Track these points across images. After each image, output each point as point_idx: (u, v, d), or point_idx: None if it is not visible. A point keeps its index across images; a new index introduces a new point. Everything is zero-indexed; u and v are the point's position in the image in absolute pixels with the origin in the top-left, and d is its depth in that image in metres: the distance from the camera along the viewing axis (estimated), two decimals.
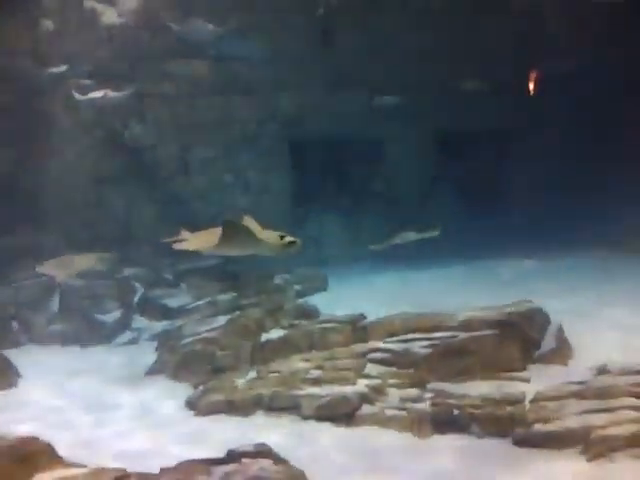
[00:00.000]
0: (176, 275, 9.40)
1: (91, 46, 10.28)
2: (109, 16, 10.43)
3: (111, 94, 8.92)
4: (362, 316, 6.92)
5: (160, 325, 8.66)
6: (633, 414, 4.77)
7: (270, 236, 5.64)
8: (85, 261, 7.96)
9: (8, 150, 10.18)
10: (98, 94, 8.88)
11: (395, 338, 6.33)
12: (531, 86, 11.44)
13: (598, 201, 11.12)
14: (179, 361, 7.03)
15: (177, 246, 6.07)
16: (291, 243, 5.58)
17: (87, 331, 8.71)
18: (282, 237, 5.60)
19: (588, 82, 10.94)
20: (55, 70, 10.09)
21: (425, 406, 5.51)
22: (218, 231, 5.64)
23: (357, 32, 11.16)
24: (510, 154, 12.89)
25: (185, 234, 6.24)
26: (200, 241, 5.95)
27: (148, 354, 7.82)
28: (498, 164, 12.87)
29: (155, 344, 8.08)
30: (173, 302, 8.78)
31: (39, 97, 10.07)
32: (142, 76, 10.37)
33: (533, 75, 11.33)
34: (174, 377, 7.04)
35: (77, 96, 8.88)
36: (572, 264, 9.71)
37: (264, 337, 6.95)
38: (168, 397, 6.58)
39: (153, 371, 7.33)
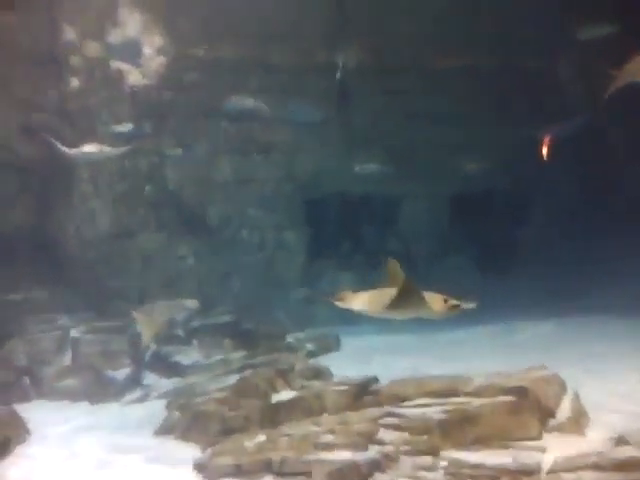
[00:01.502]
0: (188, 331, 9.38)
1: (115, 104, 10.60)
2: (134, 76, 10.78)
3: (107, 149, 8.96)
4: (375, 379, 6.81)
5: (171, 382, 8.59)
6: None
7: (434, 299, 5.54)
8: (175, 308, 8.05)
9: (28, 203, 10.38)
10: (93, 149, 8.90)
11: (408, 403, 6.20)
12: (542, 150, 11.59)
13: (616, 264, 11.07)
14: (188, 421, 6.92)
15: (341, 304, 5.98)
16: (455, 306, 5.49)
17: (97, 387, 8.64)
18: (446, 300, 5.52)
19: (591, 145, 11.07)
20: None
21: (439, 475, 5.34)
22: (386, 292, 5.56)
23: (374, 95, 11.42)
24: (526, 215, 12.93)
25: (346, 293, 6.11)
26: (365, 301, 5.88)
27: (158, 412, 7.72)
28: (513, 225, 12.88)
29: (165, 402, 7.99)
30: (184, 359, 8.73)
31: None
32: (164, 134, 10.64)
33: (541, 140, 11.49)
34: (183, 437, 6.91)
35: (68, 150, 8.94)
36: (590, 327, 9.58)
37: (275, 398, 6.84)
38: (176, 459, 6.45)
39: (162, 430, 7.21)
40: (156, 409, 7.89)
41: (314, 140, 11.44)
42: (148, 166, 10.67)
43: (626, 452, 5.02)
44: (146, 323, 7.96)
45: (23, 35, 10.08)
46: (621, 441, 5.25)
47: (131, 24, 10.60)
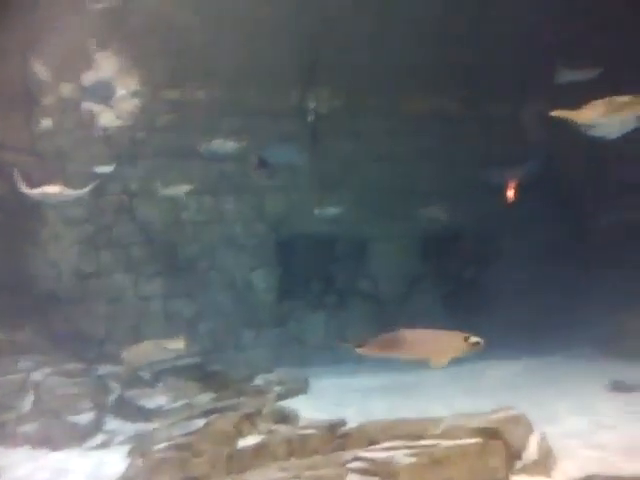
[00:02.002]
0: (153, 374, 9.19)
1: (87, 145, 10.59)
2: (106, 117, 10.79)
3: (67, 191, 8.83)
4: (343, 422, 6.73)
5: (135, 427, 8.36)
6: None
7: (455, 337, 5.52)
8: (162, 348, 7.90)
9: None
10: (54, 190, 8.74)
11: (377, 446, 6.12)
12: (508, 190, 11.86)
13: (588, 300, 11.20)
14: (151, 468, 6.71)
15: (359, 350, 5.86)
16: (476, 344, 5.46)
17: (58, 433, 8.37)
18: (466, 338, 5.50)
19: (560, 184, 11.33)
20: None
21: None
22: (397, 336, 5.58)
23: (344, 138, 11.59)
24: (493, 254, 13.08)
25: (364, 340, 6.00)
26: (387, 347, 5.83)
27: (120, 459, 7.49)
28: (480, 266, 13.02)
29: (128, 448, 7.77)
30: (149, 403, 8.52)
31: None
32: (133, 174, 10.63)
33: (508, 180, 11.77)
34: None
35: (29, 190, 8.78)
36: (557, 367, 9.64)
37: (241, 443, 6.70)
38: None
39: (124, 478, 6.99)
40: (119, 455, 7.67)
41: (284, 181, 11.52)
42: (117, 206, 10.61)
43: None
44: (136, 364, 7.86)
45: None
46: None
47: (105, 66, 10.67)
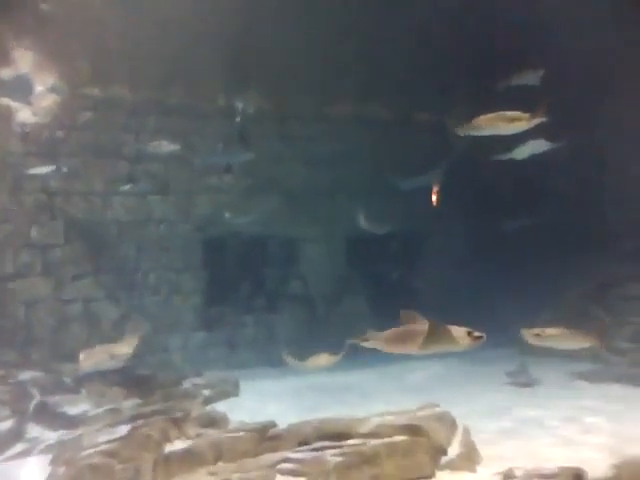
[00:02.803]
0: (76, 379, 8.89)
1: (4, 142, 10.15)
2: (24, 114, 10.39)
3: None
4: (272, 423, 6.73)
5: (57, 435, 8.07)
6: None
7: (459, 332, 5.51)
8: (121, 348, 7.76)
9: None
10: None
11: (306, 447, 6.16)
12: (434, 195, 12.23)
13: (508, 300, 11.65)
14: (74, 476, 6.50)
15: (366, 344, 5.81)
16: (478, 337, 5.48)
17: None
18: (469, 333, 5.49)
19: (492, 188, 11.77)
20: None
21: None
22: (413, 331, 5.56)
23: (272, 140, 11.61)
24: (420, 255, 13.41)
25: (373, 333, 5.89)
26: (395, 341, 5.74)
27: (42, 468, 7.22)
28: (408, 267, 13.32)
29: (50, 456, 7.49)
30: (72, 409, 8.23)
31: None
32: (55, 173, 10.26)
33: (437, 184, 12.13)
34: None
35: None
36: (478, 365, 9.99)
37: (168, 448, 6.59)
38: None
39: None
40: (41, 464, 7.39)
41: (212, 182, 11.42)
42: (35, 206, 10.22)
43: None
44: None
45: None
46: (508, 475, 5.45)
47: (23, 62, 10.27)
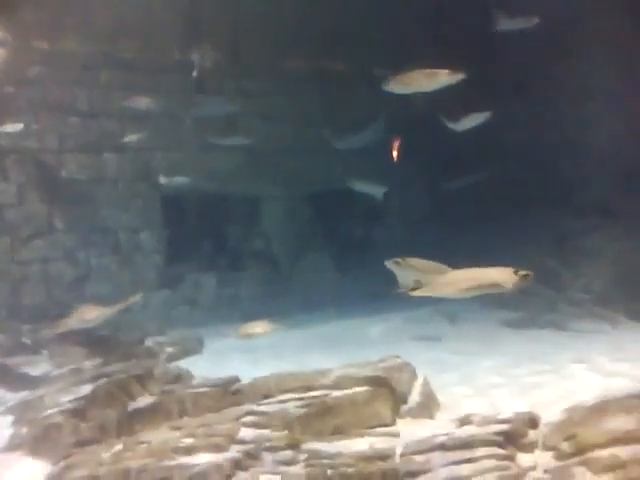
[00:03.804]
0: (37, 341, 8.81)
1: None
2: None
3: None
4: (236, 378, 6.80)
5: (19, 396, 8.03)
6: (495, 462, 4.99)
7: (505, 272, 5.35)
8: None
9: None
10: None
11: (270, 400, 6.27)
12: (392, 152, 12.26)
13: (464, 255, 11.87)
14: (38, 435, 6.50)
15: (414, 293, 5.60)
16: (526, 276, 5.29)
17: None
18: (516, 272, 5.32)
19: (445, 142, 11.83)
20: None
21: (299, 468, 5.44)
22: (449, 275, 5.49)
23: (228, 95, 11.42)
24: (380, 214, 13.51)
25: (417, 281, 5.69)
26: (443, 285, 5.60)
27: (4, 429, 7.19)
28: (369, 224, 13.42)
29: (13, 417, 7.46)
30: (33, 370, 8.19)
31: None
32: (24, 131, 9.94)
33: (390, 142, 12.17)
34: (33, 453, 6.48)
35: None
36: (432, 314, 10.28)
37: (132, 406, 6.62)
38: (25, 476, 6.06)
39: (9, 448, 6.72)
40: (3, 425, 7.35)
41: (168, 138, 11.21)
42: None
43: (469, 431, 5.42)
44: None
45: None
46: (465, 421, 5.65)
47: None
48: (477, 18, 9.92)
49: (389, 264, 6.00)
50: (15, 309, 9.72)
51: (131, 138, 10.52)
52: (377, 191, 11.24)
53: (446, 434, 5.39)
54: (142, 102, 10.20)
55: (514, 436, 5.23)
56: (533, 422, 5.43)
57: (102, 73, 10.81)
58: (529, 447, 5.21)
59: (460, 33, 11.66)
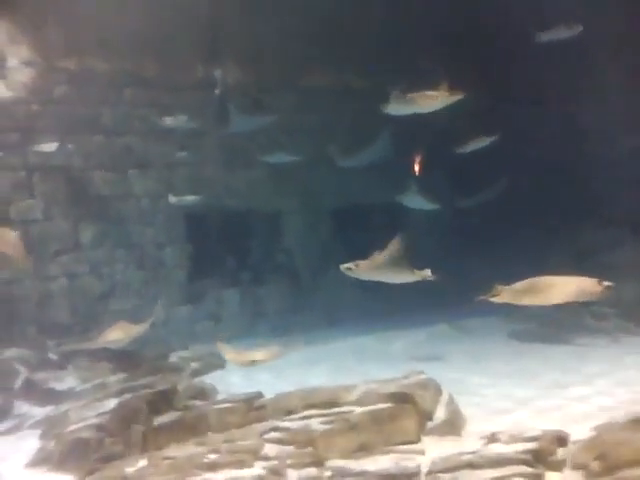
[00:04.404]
0: (62, 356, 8.90)
1: None
2: None
3: None
4: (259, 394, 6.81)
5: (45, 411, 8.11)
6: None
7: (588, 283, 5.38)
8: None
9: None
10: None
11: (293, 416, 6.26)
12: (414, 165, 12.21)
13: (489, 269, 11.78)
14: (64, 450, 6.56)
15: (495, 299, 5.62)
16: (609, 287, 5.25)
17: None
18: (600, 282, 5.30)
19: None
20: None
21: None
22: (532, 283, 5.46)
23: (251, 110, 11.51)
24: (402, 225, 13.44)
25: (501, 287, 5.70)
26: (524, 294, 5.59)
27: (31, 443, 7.26)
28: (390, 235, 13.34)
29: (39, 432, 7.53)
30: (59, 385, 8.27)
31: None
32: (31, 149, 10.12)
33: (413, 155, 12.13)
34: (59, 468, 6.54)
35: None
36: (461, 330, 10.20)
37: (157, 421, 6.65)
38: None
39: (35, 463, 6.78)
40: (29, 440, 7.43)
41: (193, 154, 11.31)
42: (14, 182, 10.07)
43: (497, 449, 5.35)
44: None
45: None
46: (493, 439, 5.58)
47: None
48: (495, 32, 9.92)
49: (343, 268, 6.10)
50: (41, 324, 9.82)
51: (180, 155, 10.84)
52: (429, 206, 10.96)
53: (473, 452, 5.33)
54: (178, 120, 10.34)
55: (543, 454, 5.15)
56: (562, 440, 5.34)
57: (126, 91, 10.96)
58: (558, 466, 5.12)
59: (479, 48, 11.68)
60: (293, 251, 12.49)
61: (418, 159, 12.13)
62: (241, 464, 5.64)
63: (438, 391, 6.37)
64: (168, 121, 10.44)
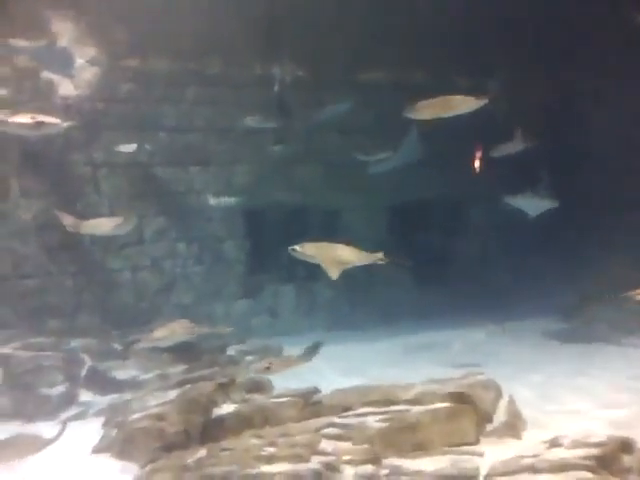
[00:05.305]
0: (126, 346, 9.16)
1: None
2: (65, 87, 10.51)
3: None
4: (316, 389, 6.84)
5: (108, 399, 8.37)
6: None
7: None
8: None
9: None
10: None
11: (350, 412, 6.25)
12: (475, 162, 11.94)
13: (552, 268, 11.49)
14: (126, 438, 6.74)
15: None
16: None
17: (31, 405, 8.31)
18: None
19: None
20: None
21: None
22: None
23: (310, 108, 11.53)
24: (462, 226, 13.26)
25: None
26: None
27: (94, 431, 7.50)
28: (450, 236, 13.19)
29: (102, 420, 7.77)
30: (122, 375, 8.52)
31: None
32: (97, 146, 10.43)
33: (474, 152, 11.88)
34: (120, 456, 6.73)
35: None
36: (521, 333, 9.96)
37: (215, 412, 6.76)
38: (114, 478, 6.28)
39: (99, 449, 7.00)
40: (93, 427, 7.67)
41: (252, 151, 11.44)
42: (81, 178, 10.40)
43: (559, 453, 5.21)
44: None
45: None
46: (555, 443, 5.44)
47: (63, 34, 10.35)
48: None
49: (290, 251, 6.32)
50: (106, 315, 10.13)
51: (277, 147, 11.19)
52: (540, 207, 10.14)
53: (534, 456, 5.21)
54: (254, 120, 10.61)
55: (607, 461, 5.00)
56: (628, 446, 5.18)
57: (187, 89, 11.16)
58: (623, 473, 4.97)
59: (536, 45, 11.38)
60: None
61: (477, 155, 11.88)
62: (298, 458, 5.67)
63: (498, 392, 6.25)
64: (249, 121, 10.66)
